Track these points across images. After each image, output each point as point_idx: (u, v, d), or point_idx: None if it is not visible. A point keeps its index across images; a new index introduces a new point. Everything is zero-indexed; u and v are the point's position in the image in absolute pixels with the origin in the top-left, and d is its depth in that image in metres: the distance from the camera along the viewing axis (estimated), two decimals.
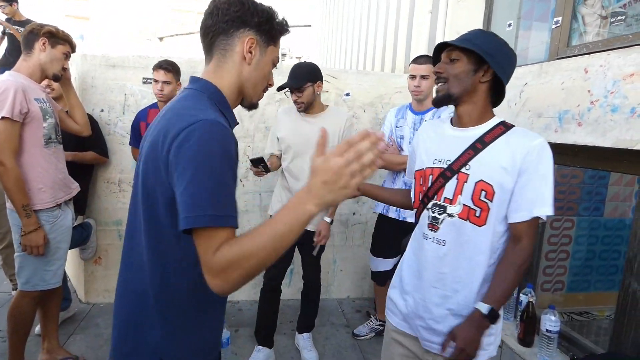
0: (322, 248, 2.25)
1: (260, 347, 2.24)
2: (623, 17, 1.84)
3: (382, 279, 2.50)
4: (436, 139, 1.27)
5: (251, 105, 0.98)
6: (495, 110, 1.24)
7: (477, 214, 1.13)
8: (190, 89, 0.90)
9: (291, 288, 3.03)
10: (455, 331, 1.12)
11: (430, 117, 2.25)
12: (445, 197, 1.17)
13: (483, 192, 1.12)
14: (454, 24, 2.91)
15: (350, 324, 2.80)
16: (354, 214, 3.12)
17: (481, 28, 2.80)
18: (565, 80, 1.84)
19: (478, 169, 1.13)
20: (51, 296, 2.03)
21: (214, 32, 0.88)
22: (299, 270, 2.52)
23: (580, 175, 2.63)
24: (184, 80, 2.65)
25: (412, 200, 1.34)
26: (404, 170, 2.02)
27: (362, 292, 3.22)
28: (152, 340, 0.87)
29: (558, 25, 2.08)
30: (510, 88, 1.71)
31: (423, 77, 2.21)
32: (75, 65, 2.65)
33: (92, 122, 2.47)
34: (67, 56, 1.95)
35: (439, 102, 1.19)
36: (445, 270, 1.17)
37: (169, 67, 2.40)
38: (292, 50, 13.73)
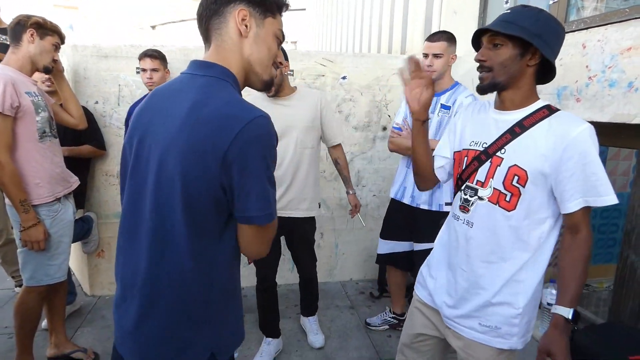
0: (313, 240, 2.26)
1: (269, 339, 2.26)
2: None
3: (383, 262, 2.51)
4: (476, 121, 1.24)
5: (265, 84, 0.94)
6: None
7: (508, 199, 1.10)
8: (208, 77, 0.85)
9: (294, 273, 3.05)
10: (547, 347, 1.05)
11: (447, 100, 2.11)
12: (477, 180, 1.16)
13: (516, 177, 1.09)
14: (450, 2, 2.86)
15: (355, 305, 2.84)
16: None
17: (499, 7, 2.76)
18: (563, 57, 1.83)
19: (513, 153, 1.10)
20: (57, 290, 2.04)
21: (207, 17, 0.87)
22: None
23: None
24: (174, 67, 2.62)
25: (442, 179, 1.33)
26: None
27: (365, 274, 3.26)
28: (203, 335, 0.87)
29: (555, 1, 2.05)
30: None
31: (436, 55, 2.06)
32: (65, 57, 2.61)
33: (88, 114, 2.45)
34: (56, 47, 1.91)
35: (483, 91, 1.14)
36: (472, 253, 1.17)
37: (155, 54, 2.37)
38: (287, 34, 13.51)
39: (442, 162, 1.32)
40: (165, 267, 0.84)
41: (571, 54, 1.79)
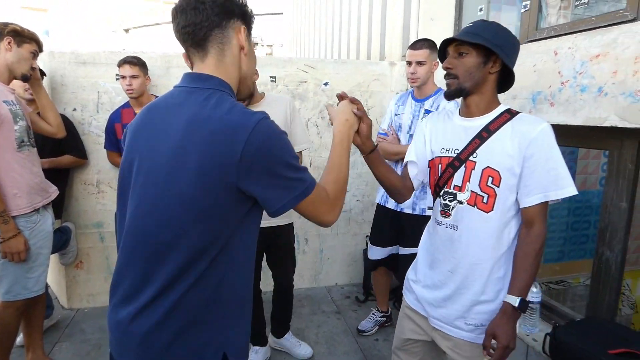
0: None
1: (256, 347, 2.24)
2: (586, 0, 1.91)
3: (376, 267, 2.54)
4: (444, 129, 1.30)
5: (251, 94, 1.01)
6: None
7: (485, 200, 1.16)
8: (206, 89, 0.86)
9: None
10: (493, 330, 1.13)
11: (430, 105, 2.17)
12: (455, 185, 1.21)
13: (490, 178, 1.15)
14: (427, 9, 2.95)
15: (341, 310, 2.86)
16: None
17: (457, 14, 2.85)
18: (536, 63, 1.91)
19: (484, 156, 1.16)
20: (35, 304, 1.97)
21: (207, 27, 0.86)
22: None
23: None
24: (155, 74, 2.59)
25: (417, 186, 1.36)
26: (401, 160, 2.00)
27: (350, 278, 3.28)
28: (218, 336, 0.87)
29: (527, 9, 2.15)
30: None
31: (419, 63, 2.11)
32: (42, 63, 2.53)
33: (67, 122, 2.39)
34: (34, 55, 1.87)
35: (450, 96, 1.21)
36: (457, 255, 1.22)
37: (134, 61, 2.33)
38: (264, 39, 13.50)
39: (414, 169, 1.35)
40: (181, 278, 0.83)
41: (544, 61, 1.88)
